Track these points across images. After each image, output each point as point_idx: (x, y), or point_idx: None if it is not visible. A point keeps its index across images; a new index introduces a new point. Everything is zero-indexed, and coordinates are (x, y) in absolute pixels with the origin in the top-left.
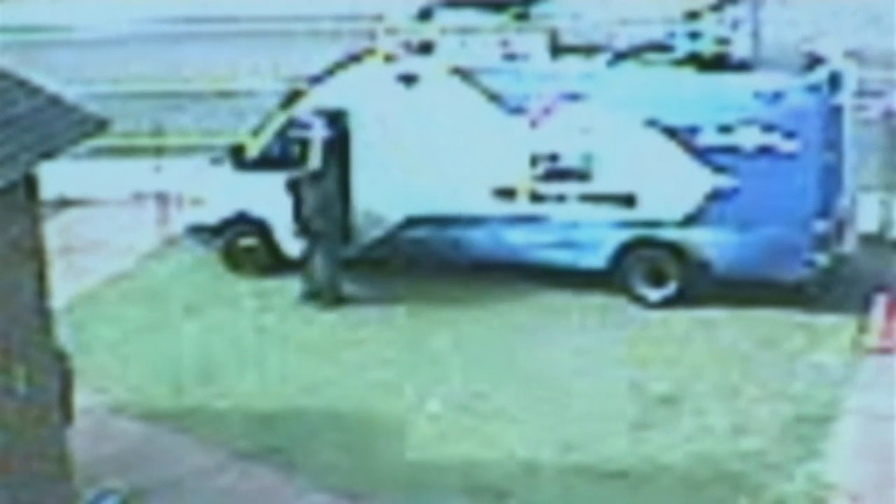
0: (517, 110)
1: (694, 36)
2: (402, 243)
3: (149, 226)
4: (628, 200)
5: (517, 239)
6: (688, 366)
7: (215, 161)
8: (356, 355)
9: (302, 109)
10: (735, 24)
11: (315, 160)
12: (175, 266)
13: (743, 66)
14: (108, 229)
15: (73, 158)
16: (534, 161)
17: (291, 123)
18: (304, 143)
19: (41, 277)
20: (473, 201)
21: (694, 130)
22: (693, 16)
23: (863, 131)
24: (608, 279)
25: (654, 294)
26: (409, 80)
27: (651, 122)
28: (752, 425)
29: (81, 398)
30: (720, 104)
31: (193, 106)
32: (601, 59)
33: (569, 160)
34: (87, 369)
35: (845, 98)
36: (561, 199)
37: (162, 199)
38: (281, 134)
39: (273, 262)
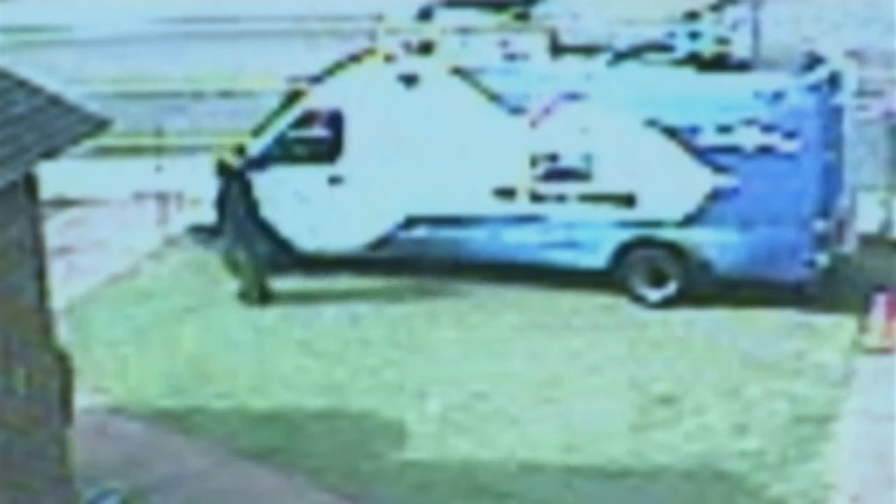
0: (517, 110)
1: (694, 36)
2: (402, 243)
3: (149, 226)
4: (628, 200)
5: (517, 239)
6: (688, 366)
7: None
8: (356, 355)
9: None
10: (735, 24)
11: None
12: (175, 266)
13: (743, 66)
14: (108, 229)
15: (73, 158)
16: (534, 161)
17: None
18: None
19: (41, 277)
20: (473, 201)
21: (694, 130)
22: (693, 16)
23: (863, 131)
24: (608, 279)
25: (654, 294)
26: (409, 80)
27: (651, 122)
28: (752, 425)
29: (81, 398)
30: (720, 104)
31: (194, 106)
32: (601, 59)
33: (569, 160)
34: (87, 369)
35: (845, 98)
36: (561, 199)
37: (162, 199)
38: (282, 133)
39: (273, 262)
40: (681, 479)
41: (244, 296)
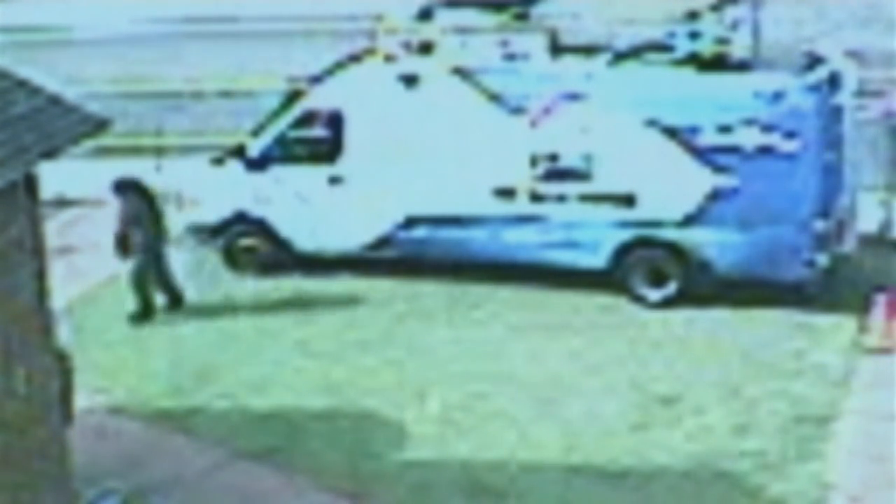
0: (517, 110)
1: (694, 36)
2: (402, 243)
3: None
4: (628, 200)
5: (517, 239)
6: (688, 366)
7: (215, 161)
8: (356, 355)
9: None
10: (735, 24)
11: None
12: (174, 266)
13: (743, 66)
14: (108, 229)
15: (73, 158)
16: (534, 161)
17: (299, 121)
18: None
19: (41, 277)
20: (473, 201)
21: (694, 130)
22: (693, 16)
23: (863, 131)
24: (608, 279)
25: (654, 294)
26: (409, 80)
27: (651, 122)
28: (752, 425)
29: (81, 398)
30: (720, 104)
31: (194, 106)
32: (601, 59)
33: (569, 160)
34: (87, 369)
35: (845, 98)
36: (561, 199)
37: (162, 198)
38: (282, 133)
39: (273, 262)
40: (681, 479)
41: (134, 317)
